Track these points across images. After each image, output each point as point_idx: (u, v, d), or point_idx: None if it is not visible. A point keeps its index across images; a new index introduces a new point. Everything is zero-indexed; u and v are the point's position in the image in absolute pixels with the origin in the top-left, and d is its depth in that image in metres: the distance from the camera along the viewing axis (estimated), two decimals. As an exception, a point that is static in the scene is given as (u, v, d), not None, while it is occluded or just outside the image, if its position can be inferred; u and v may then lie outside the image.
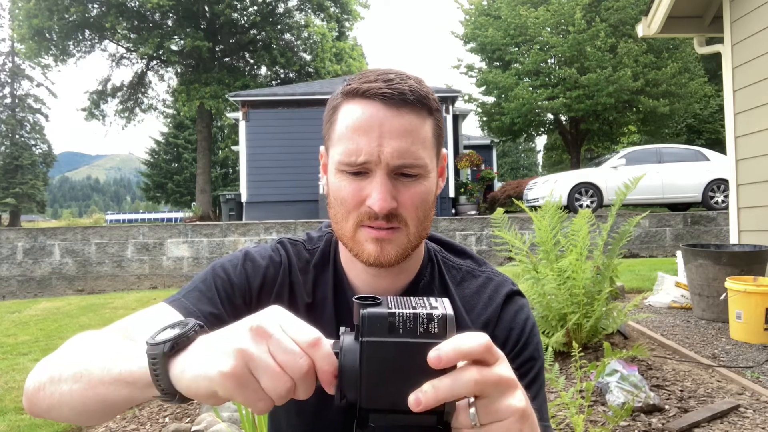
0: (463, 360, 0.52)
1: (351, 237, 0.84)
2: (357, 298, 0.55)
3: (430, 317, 0.52)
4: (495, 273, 1.00)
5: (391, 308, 0.53)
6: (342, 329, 0.58)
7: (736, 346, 3.87)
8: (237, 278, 0.91)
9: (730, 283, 4.09)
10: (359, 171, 0.80)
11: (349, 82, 0.84)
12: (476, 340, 0.52)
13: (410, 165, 0.80)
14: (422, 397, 0.50)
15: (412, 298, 0.57)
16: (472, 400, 0.53)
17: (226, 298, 0.89)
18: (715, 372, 3.33)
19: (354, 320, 0.55)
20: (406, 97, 0.79)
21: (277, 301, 0.91)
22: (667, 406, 2.79)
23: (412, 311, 0.53)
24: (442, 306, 0.54)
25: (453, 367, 0.52)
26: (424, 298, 0.56)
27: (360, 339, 0.52)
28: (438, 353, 0.50)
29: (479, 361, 0.53)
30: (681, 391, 3.01)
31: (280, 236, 1.04)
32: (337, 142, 0.83)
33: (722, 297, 4.23)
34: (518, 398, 0.54)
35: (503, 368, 0.54)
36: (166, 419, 3.20)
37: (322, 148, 0.92)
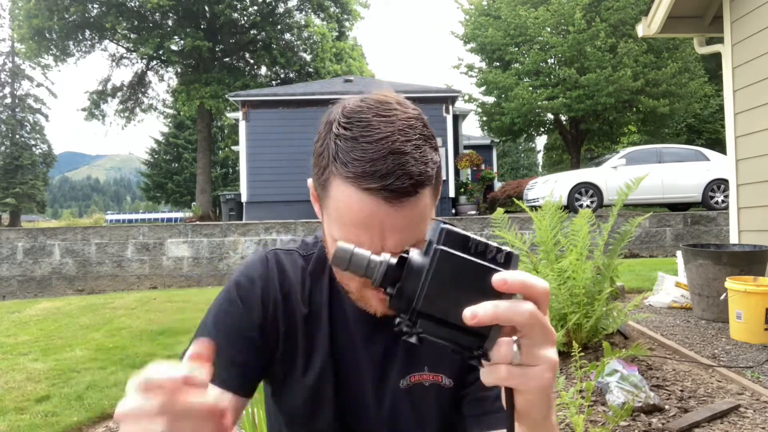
0: (523, 293, 0.54)
1: (356, 293, 0.87)
2: (436, 218, 0.58)
3: (499, 249, 0.55)
4: None
5: (467, 232, 0.56)
6: (405, 247, 0.60)
7: (736, 346, 3.87)
8: (243, 324, 0.91)
9: (730, 283, 4.09)
10: None
11: (340, 151, 0.75)
12: (542, 283, 0.55)
13: (413, 245, 0.77)
14: (479, 311, 0.51)
15: None
16: (515, 338, 0.55)
17: (250, 345, 0.91)
18: (715, 372, 3.32)
19: (427, 236, 0.57)
20: (406, 190, 0.73)
21: (279, 314, 0.93)
22: (667, 406, 2.79)
23: (485, 240, 0.56)
24: (511, 248, 0.56)
25: (508, 297, 0.54)
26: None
27: (435, 246, 0.54)
28: (504, 276, 0.53)
29: (533, 301, 0.55)
30: (681, 391, 3.01)
31: (273, 247, 1.01)
32: (334, 222, 0.79)
33: (722, 297, 4.22)
34: (554, 352, 0.57)
35: (548, 321, 0.56)
36: (166, 419, 3.20)
37: (310, 182, 0.87)
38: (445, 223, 0.57)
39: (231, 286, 0.94)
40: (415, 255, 0.57)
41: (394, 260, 0.58)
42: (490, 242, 0.56)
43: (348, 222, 0.76)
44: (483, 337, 0.55)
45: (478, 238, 0.56)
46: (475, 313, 0.51)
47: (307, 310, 0.94)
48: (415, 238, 0.76)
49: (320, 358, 0.93)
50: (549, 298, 0.56)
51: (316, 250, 0.99)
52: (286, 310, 0.93)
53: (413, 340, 0.56)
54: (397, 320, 0.57)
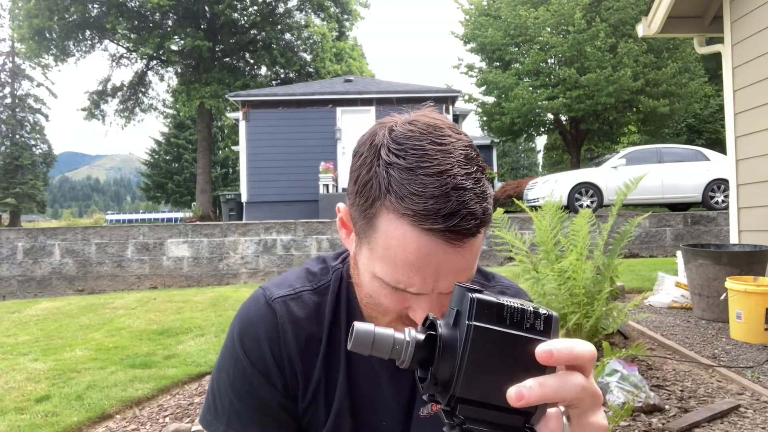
0: (572, 364, 0.50)
1: (387, 326, 0.82)
2: (459, 284, 0.54)
3: (537, 314, 0.51)
4: (506, 286, 0.98)
5: (498, 298, 0.51)
6: (430, 315, 0.55)
7: (736, 346, 3.87)
8: (265, 389, 0.86)
9: (730, 283, 4.09)
10: None
11: (394, 182, 0.68)
12: (588, 347, 0.51)
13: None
14: (526, 392, 0.48)
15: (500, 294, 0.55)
16: (562, 408, 0.51)
17: (274, 404, 0.87)
18: (716, 372, 3.32)
19: (451, 305, 0.53)
20: (471, 230, 0.67)
21: (297, 368, 0.88)
22: (667, 406, 2.79)
23: (519, 304, 0.51)
24: (547, 309, 0.52)
25: (552, 369, 0.50)
26: (516, 297, 0.55)
27: (468, 322, 0.50)
28: (551, 348, 0.49)
29: (579, 369, 0.51)
30: (681, 391, 3.01)
31: (278, 294, 0.89)
32: (380, 259, 0.72)
33: (722, 297, 4.22)
34: (603, 416, 0.53)
35: (594, 382, 0.53)
36: (167, 419, 3.20)
37: (342, 206, 0.82)
38: (470, 289, 0.52)
39: (238, 347, 0.86)
40: (445, 332, 0.52)
41: (421, 336, 0.53)
42: (525, 306, 0.51)
43: (401, 262, 0.69)
44: (528, 414, 0.50)
45: (513, 303, 0.51)
46: (521, 394, 0.48)
47: (326, 353, 0.88)
48: (466, 277, 0.72)
49: (338, 400, 0.88)
50: (594, 360, 0.52)
51: (330, 279, 0.92)
52: (303, 364, 0.87)
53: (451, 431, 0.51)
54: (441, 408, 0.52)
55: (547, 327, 0.51)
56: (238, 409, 0.85)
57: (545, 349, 0.49)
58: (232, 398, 0.86)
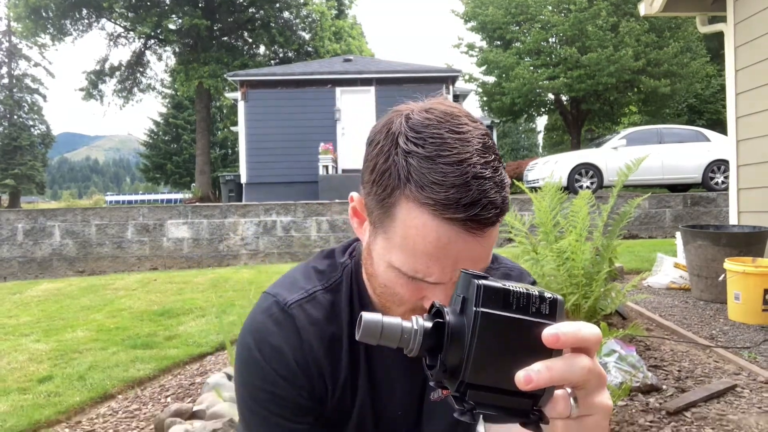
0: (578, 346, 0.51)
1: (400, 317, 0.81)
2: (465, 270, 0.54)
3: (542, 298, 0.51)
4: (510, 267, 0.99)
5: (504, 284, 0.52)
6: (436, 302, 0.56)
7: (734, 327, 3.89)
8: (291, 396, 0.84)
9: (728, 264, 4.10)
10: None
11: (414, 171, 0.67)
12: (594, 330, 0.52)
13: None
14: (534, 376, 0.48)
15: (507, 279, 0.55)
16: (569, 390, 0.52)
17: (304, 412, 0.86)
18: (713, 352, 3.35)
19: (457, 291, 0.54)
20: (491, 219, 0.68)
21: (325, 372, 0.87)
22: (664, 386, 2.81)
23: (524, 289, 0.52)
24: (551, 293, 0.53)
25: (558, 352, 0.51)
26: (520, 282, 0.55)
27: (475, 309, 0.50)
28: (557, 332, 0.49)
29: (584, 351, 0.52)
30: (678, 371, 3.04)
31: (288, 299, 0.87)
32: (398, 248, 0.71)
33: (721, 278, 4.24)
34: (608, 395, 0.54)
35: (599, 363, 0.54)
36: (168, 399, 3.23)
37: (355, 195, 0.82)
38: (477, 276, 0.52)
39: (258, 358, 0.84)
40: (452, 319, 0.52)
41: (428, 324, 0.53)
42: (531, 290, 0.52)
43: (420, 251, 0.69)
44: (536, 396, 0.51)
45: (518, 288, 0.51)
46: (530, 377, 0.48)
47: (348, 350, 0.88)
48: (483, 266, 0.72)
49: (362, 393, 0.89)
50: (600, 342, 0.53)
51: (341, 276, 0.91)
52: (328, 364, 0.87)
53: (466, 419, 0.51)
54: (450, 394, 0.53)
55: (553, 310, 0.52)
56: (274, 424, 0.85)
57: (552, 332, 0.49)
58: (264, 415, 0.85)
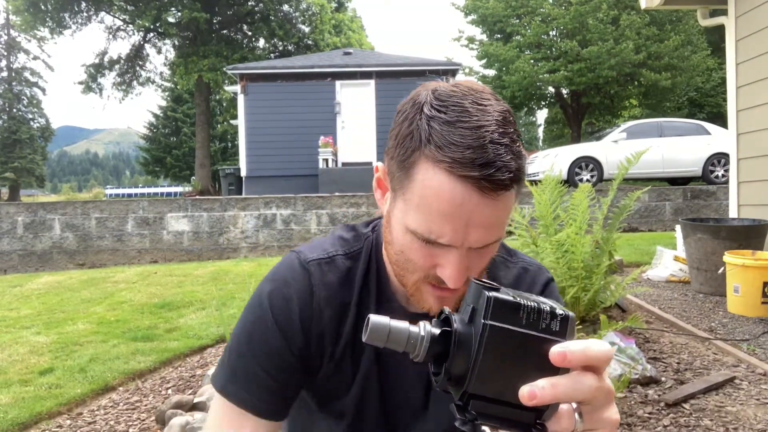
0: (586, 365, 0.51)
1: (413, 286, 0.80)
2: (476, 280, 0.54)
3: (553, 314, 0.51)
4: (528, 262, 0.98)
5: (515, 297, 0.51)
6: (446, 310, 0.56)
7: (733, 319, 3.90)
8: (281, 352, 0.86)
9: (728, 256, 4.11)
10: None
11: (435, 133, 0.70)
12: (604, 348, 0.51)
13: (491, 243, 0.75)
14: (538, 392, 0.48)
15: (521, 291, 0.55)
16: (575, 405, 0.52)
17: (288, 371, 0.87)
18: (712, 345, 3.36)
19: (467, 300, 0.53)
20: (504, 181, 0.69)
21: (326, 333, 0.88)
22: (663, 378, 2.82)
23: (535, 304, 0.51)
24: (563, 309, 0.52)
25: (565, 370, 0.51)
26: (532, 294, 0.55)
27: (484, 321, 0.50)
28: (565, 351, 0.49)
29: (593, 369, 0.51)
30: (677, 363, 3.05)
31: (312, 256, 0.90)
32: (415, 209, 0.73)
33: (720, 271, 4.25)
34: (615, 410, 0.54)
35: (608, 378, 0.54)
36: (169, 391, 3.25)
37: (380, 165, 0.84)
38: (487, 286, 0.52)
39: (267, 305, 0.87)
40: (460, 328, 0.52)
41: (436, 331, 0.54)
42: (542, 305, 0.51)
43: (434, 210, 0.71)
44: (540, 411, 0.51)
45: (529, 302, 0.51)
46: (534, 393, 0.48)
47: (356, 316, 0.89)
48: (495, 237, 0.74)
49: (366, 363, 0.90)
50: (610, 360, 0.52)
51: (363, 245, 0.93)
52: (333, 327, 0.88)
53: (467, 429, 0.51)
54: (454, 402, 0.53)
55: (563, 327, 0.51)
56: (248, 365, 0.86)
57: (559, 350, 0.49)
58: (244, 352, 0.87)
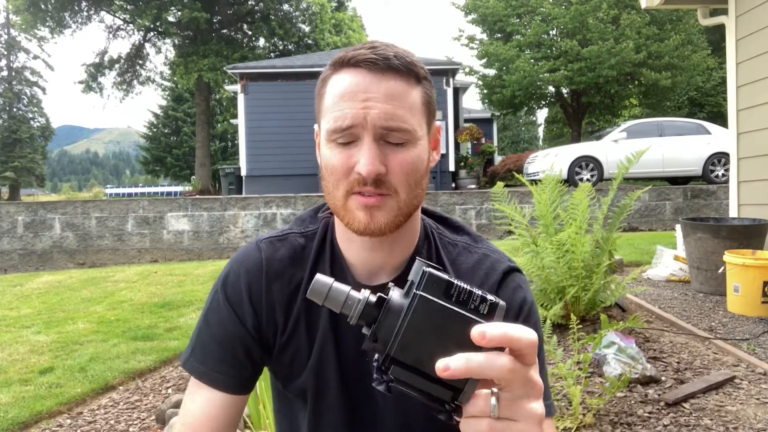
0: (507, 347, 0.52)
1: (342, 206, 0.83)
2: (420, 259, 0.57)
3: (483, 299, 0.53)
4: (492, 250, 0.97)
5: (450, 276, 0.54)
6: (390, 284, 0.59)
7: (733, 319, 3.90)
8: (232, 325, 0.90)
9: (728, 256, 4.11)
10: (348, 140, 0.80)
11: (332, 62, 0.84)
12: (526, 333, 0.52)
13: (397, 128, 0.79)
14: (452, 364, 0.50)
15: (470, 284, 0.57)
16: (495, 390, 0.53)
17: (241, 344, 0.90)
18: (712, 344, 3.36)
19: (410, 276, 0.56)
20: (391, 63, 0.79)
21: (277, 306, 0.91)
22: (663, 378, 2.82)
23: (469, 287, 0.54)
24: (496, 298, 0.54)
25: (487, 350, 0.52)
26: (481, 289, 0.57)
27: (414, 291, 0.53)
28: (484, 330, 0.50)
29: (518, 355, 0.52)
30: (677, 362, 3.05)
31: (266, 235, 0.97)
32: (326, 113, 0.82)
33: (720, 270, 4.25)
34: (539, 405, 0.55)
35: (536, 373, 0.54)
36: (169, 390, 3.25)
37: (316, 127, 0.90)
38: (429, 265, 0.55)
39: (219, 284, 0.93)
40: (395, 296, 0.55)
41: (373, 298, 0.56)
42: (475, 290, 0.54)
43: (337, 99, 0.80)
44: (457, 390, 0.53)
45: (463, 284, 0.54)
46: (447, 365, 0.50)
47: (306, 288, 0.89)
48: (399, 119, 0.79)
49: (321, 334, 0.90)
50: (536, 349, 0.53)
51: (318, 225, 0.97)
52: (283, 300, 0.91)
53: (381, 388, 0.54)
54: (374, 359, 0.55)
55: (491, 312, 0.53)
56: (204, 340, 0.91)
57: (479, 329, 0.50)
58: (202, 328, 0.92)
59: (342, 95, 0.79)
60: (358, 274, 0.92)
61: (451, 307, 0.52)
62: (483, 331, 0.50)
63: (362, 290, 0.58)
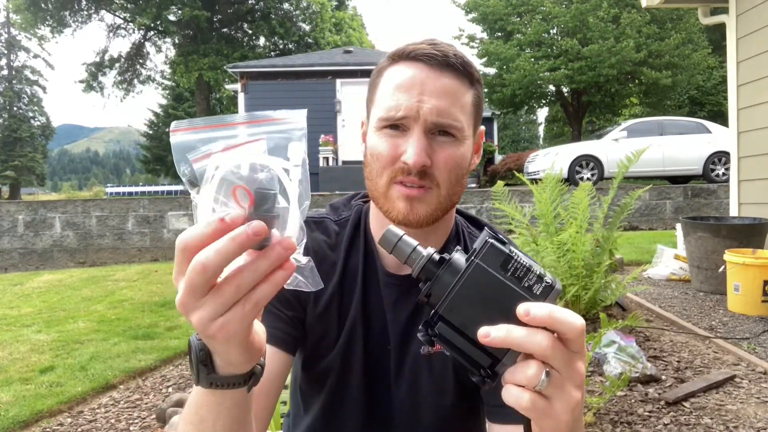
0: (551, 328, 0.51)
1: (383, 193, 0.85)
2: (489, 228, 0.59)
3: (540, 278, 0.53)
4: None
5: (513, 252, 0.55)
6: (458, 246, 0.60)
7: (734, 318, 3.90)
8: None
9: (728, 255, 4.10)
10: (397, 126, 0.82)
11: (390, 54, 0.86)
12: (571, 317, 0.52)
13: (448, 125, 0.81)
14: (493, 333, 0.51)
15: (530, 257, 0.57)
16: (549, 367, 0.53)
17: (289, 304, 0.92)
18: (712, 343, 3.36)
19: (474, 245, 0.57)
20: (449, 60, 0.81)
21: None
22: (663, 377, 2.83)
23: (529, 264, 0.54)
24: (554, 280, 0.54)
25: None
26: (536, 262, 0.57)
27: (473, 259, 0.54)
28: (529, 308, 0.51)
29: (563, 339, 0.52)
30: (678, 361, 3.05)
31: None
32: (379, 102, 0.85)
33: (721, 269, 4.25)
34: (578, 394, 0.54)
35: (581, 361, 0.54)
36: (170, 389, 3.25)
37: (363, 117, 0.94)
38: (496, 236, 0.56)
39: None
40: (456, 259, 0.56)
41: (437, 257, 0.57)
42: (534, 268, 0.54)
43: (392, 89, 0.82)
44: (496, 359, 0.53)
45: (524, 260, 0.54)
46: (488, 333, 0.51)
47: (341, 275, 0.95)
48: (451, 117, 0.81)
49: (352, 318, 0.93)
50: (583, 337, 0.52)
51: (351, 213, 1.00)
52: (325, 280, 0.92)
53: (425, 341, 0.55)
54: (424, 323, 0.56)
55: (544, 294, 0.53)
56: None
57: (525, 306, 0.51)
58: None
59: (398, 86, 0.82)
60: (388, 264, 0.95)
61: (503, 281, 0.53)
62: (528, 309, 0.51)
63: (428, 247, 0.59)
